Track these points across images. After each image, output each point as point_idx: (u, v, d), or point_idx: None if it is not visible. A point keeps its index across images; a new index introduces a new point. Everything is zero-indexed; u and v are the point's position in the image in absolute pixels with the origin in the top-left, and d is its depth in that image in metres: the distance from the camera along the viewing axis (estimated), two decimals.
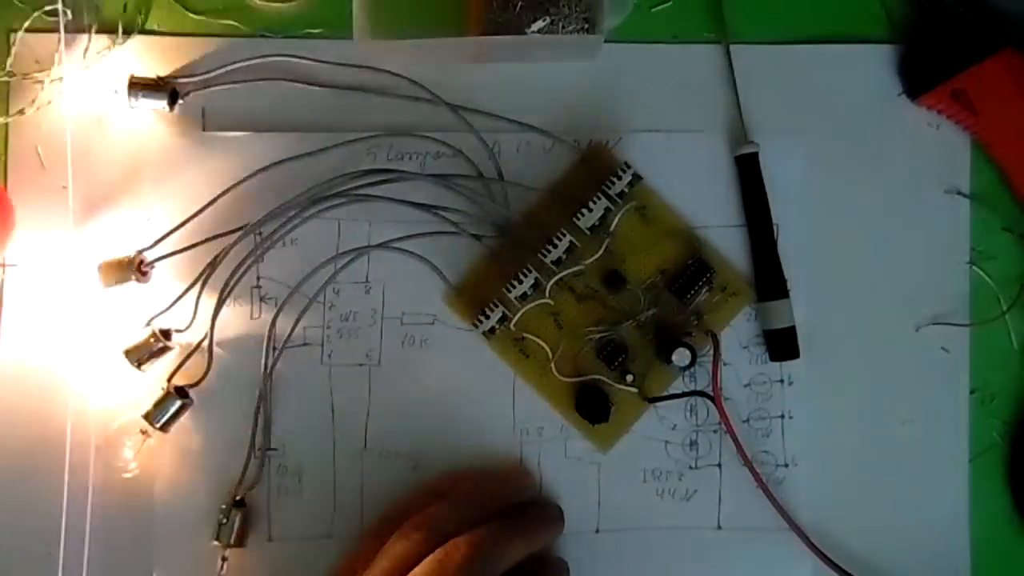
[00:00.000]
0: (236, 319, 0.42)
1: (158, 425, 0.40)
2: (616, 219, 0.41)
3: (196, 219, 0.41)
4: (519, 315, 0.41)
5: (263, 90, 0.42)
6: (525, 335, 0.42)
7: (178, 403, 0.41)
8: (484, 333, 0.41)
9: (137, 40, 0.42)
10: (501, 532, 0.38)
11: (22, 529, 0.41)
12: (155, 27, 0.43)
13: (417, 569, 0.36)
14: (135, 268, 0.41)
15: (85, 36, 0.42)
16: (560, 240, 0.41)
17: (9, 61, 0.42)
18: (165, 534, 0.41)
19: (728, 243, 0.43)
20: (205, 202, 0.41)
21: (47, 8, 0.42)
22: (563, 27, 0.41)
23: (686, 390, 0.42)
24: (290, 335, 0.42)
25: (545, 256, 0.41)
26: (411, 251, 0.42)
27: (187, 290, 0.41)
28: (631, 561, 0.42)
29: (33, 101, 0.42)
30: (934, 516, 0.43)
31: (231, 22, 0.43)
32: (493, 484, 0.41)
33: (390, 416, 0.42)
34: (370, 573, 0.37)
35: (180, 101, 0.42)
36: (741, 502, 0.42)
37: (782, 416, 0.43)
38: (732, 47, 0.43)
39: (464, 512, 0.38)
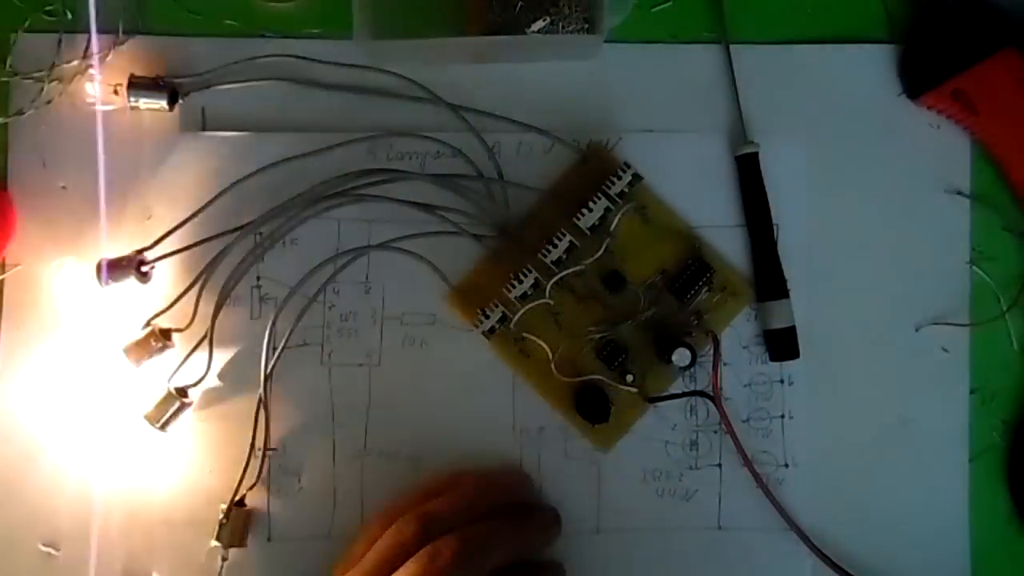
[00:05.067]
0: (236, 319, 0.42)
1: (158, 425, 0.40)
2: (616, 219, 0.41)
3: (196, 219, 0.41)
4: (519, 315, 0.41)
5: (263, 90, 0.42)
6: (525, 335, 0.42)
7: (178, 403, 0.41)
8: (484, 333, 0.41)
9: (137, 40, 0.42)
10: (491, 530, 0.38)
11: (22, 529, 0.41)
12: (155, 27, 0.43)
13: (408, 563, 0.36)
14: (135, 268, 0.41)
15: (85, 36, 0.42)
16: (560, 240, 0.41)
17: (9, 61, 0.42)
18: (165, 534, 0.41)
19: (728, 243, 0.43)
20: (205, 202, 0.41)
21: (47, 8, 0.42)
22: (563, 27, 0.41)
23: (686, 390, 0.42)
24: (290, 335, 0.42)
25: (545, 256, 0.41)
26: (411, 251, 0.42)
27: (187, 290, 0.41)
28: (631, 561, 0.42)
29: (33, 101, 0.42)
30: (934, 516, 0.43)
31: (231, 22, 0.43)
32: (490, 483, 0.41)
33: (390, 416, 0.42)
34: (362, 565, 0.37)
35: (180, 101, 0.42)
36: (741, 502, 0.42)
37: (782, 416, 0.43)
38: (732, 47, 0.43)
39: (458, 510, 0.39)
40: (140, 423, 0.41)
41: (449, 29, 0.41)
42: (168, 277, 0.42)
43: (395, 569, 0.36)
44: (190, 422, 0.42)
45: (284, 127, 0.42)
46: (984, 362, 0.43)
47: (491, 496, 0.40)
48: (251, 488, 0.41)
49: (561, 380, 0.42)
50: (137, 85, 0.41)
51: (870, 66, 0.44)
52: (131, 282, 0.41)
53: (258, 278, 0.42)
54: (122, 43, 0.42)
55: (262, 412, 0.41)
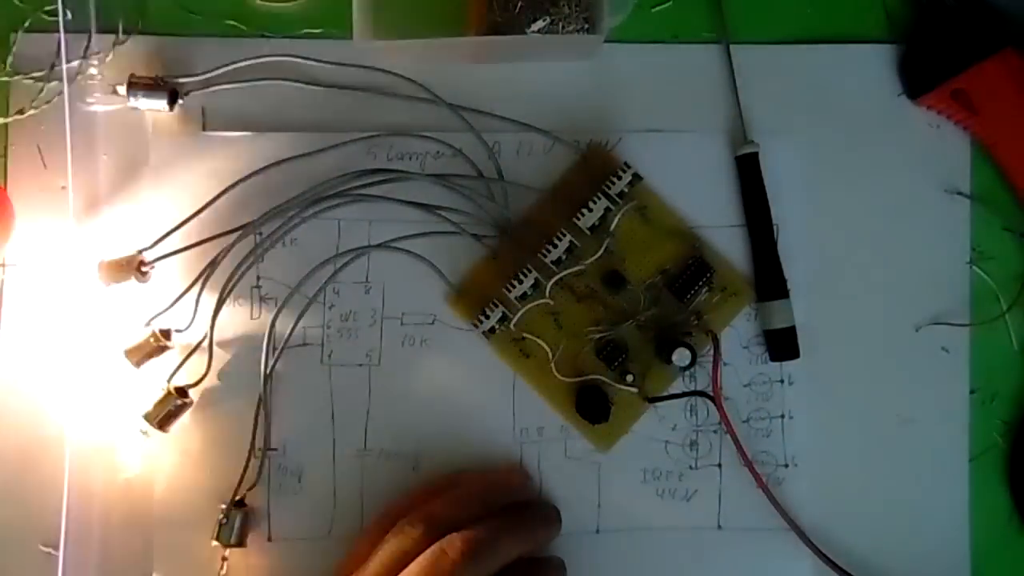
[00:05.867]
0: (236, 319, 0.42)
1: (158, 425, 0.40)
2: (616, 219, 0.41)
3: (196, 219, 0.41)
4: (519, 315, 0.41)
5: (263, 90, 0.42)
6: (525, 335, 0.42)
7: (178, 403, 0.41)
8: (484, 333, 0.41)
9: (137, 40, 0.42)
10: (496, 529, 0.38)
11: (22, 529, 0.41)
12: (155, 27, 0.43)
13: (413, 565, 0.36)
14: (135, 268, 0.41)
15: (85, 36, 0.42)
16: (560, 240, 0.41)
17: (9, 61, 0.42)
18: (165, 534, 0.41)
19: (728, 243, 0.43)
20: (205, 202, 0.41)
21: (47, 8, 0.42)
22: (563, 27, 0.41)
23: (686, 390, 0.42)
24: (290, 335, 0.42)
25: (545, 256, 0.41)
26: (411, 251, 0.42)
27: (187, 290, 0.41)
28: (631, 561, 0.42)
29: (33, 101, 0.42)
30: (934, 516, 0.43)
31: (231, 22, 0.43)
32: (491, 483, 0.41)
33: (390, 416, 0.42)
34: (367, 568, 0.37)
35: (180, 101, 0.42)
36: (741, 502, 0.42)
37: (782, 416, 0.43)
38: (732, 47, 0.43)
39: (461, 509, 0.39)
40: (140, 422, 0.41)
41: (449, 29, 0.41)
42: (168, 277, 0.42)
43: (401, 570, 0.36)
44: (190, 422, 0.41)
45: (284, 127, 0.42)
46: (984, 362, 0.43)
47: (493, 494, 0.40)
48: (251, 488, 0.41)
49: (561, 380, 0.42)
50: (137, 85, 0.41)
51: (870, 66, 0.44)
52: (131, 282, 0.41)
53: (258, 278, 0.42)
54: (122, 43, 0.42)
55: (262, 412, 0.41)
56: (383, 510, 0.41)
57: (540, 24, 0.41)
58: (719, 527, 0.42)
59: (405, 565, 0.36)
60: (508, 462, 0.42)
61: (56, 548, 0.41)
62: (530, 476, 0.42)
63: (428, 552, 0.36)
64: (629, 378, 0.41)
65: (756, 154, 0.42)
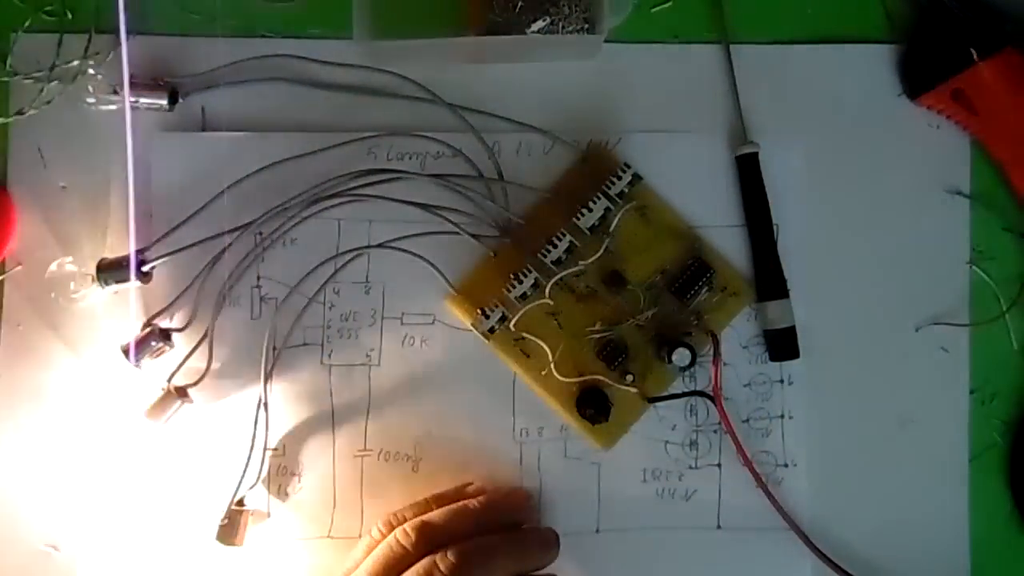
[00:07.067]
0: (236, 319, 0.42)
1: (158, 425, 0.40)
2: (616, 219, 0.41)
3: (196, 219, 0.41)
4: (519, 315, 0.41)
5: (263, 90, 0.42)
6: (525, 335, 0.41)
7: (178, 403, 0.41)
8: (484, 333, 0.41)
9: (137, 40, 0.42)
10: (491, 545, 0.38)
11: (22, 529, 0.41)
12: (155, 27, 0.43)
13: (406, 574, 0.36)
14: (135, 268, 0.41)
15: (85, 36, 0.42)
16: (560, 240, 0.41)
17: (9, 61, 0.42)
18: (166, 534, 0.41)
19: (728, 243, 0.43)
20: (205, 202, 0.41)
21: (47, 8, 0.42)
22: (563, 27, 0.41)
23: (686, 390, 0.42)
24: (290, 335, 0.42)
25: (545, 256, 0.41)
26: (411, 251, 0.42)
27: (187, 290, 0.41)
28: (631, 561, 0.42)
29: (33, 101, 0.42)
30: (934, 516, 0.43)
31: (231, 22, 0.43)
32: (493, 499, 0.40)
33: (390, 416, 0.42)
34: (360, 570, 0.37)
35: (180, 101, 0.42)
36: (741, 502, 0.42)
37: (782, 416, 0.43)
38: (732, 47, 0.43)
39: (459, 522, 0.38)
40: (140, 423, 0.41)
41: (449, 29, 0.42)
42: (168, 277, 0.42)
43: (391, 574, 0.36)
44: (190, 422, 0.41)
45: (284, 127, 0.42)
46: (984, 362, 0.43)
47: (493, 512, 0.40)
48: (251, 488, 0.41)
49: (561, 380, 0.42)
50: (137, 85, 0.41)
51: (870, 66, 0.44)
52: (131, 282, 0.41)
53: (258, 278, 0.42)
54: (122, 43, 0.42)
55: (262, 412, 0.41)
56: (382, 514, 0.40)
57: (540, 24, 0.41)
58: (719, 527, 0.42)
59: (397, 570, 0.36)
60: (508, 466, 0.42)
61: (56, 547, 0.41)
62: (531, 496, 0.42)
63: (420, 564, 0.36)
64: (629, 378, 0.41)
65: (756, 154, 0.42)
